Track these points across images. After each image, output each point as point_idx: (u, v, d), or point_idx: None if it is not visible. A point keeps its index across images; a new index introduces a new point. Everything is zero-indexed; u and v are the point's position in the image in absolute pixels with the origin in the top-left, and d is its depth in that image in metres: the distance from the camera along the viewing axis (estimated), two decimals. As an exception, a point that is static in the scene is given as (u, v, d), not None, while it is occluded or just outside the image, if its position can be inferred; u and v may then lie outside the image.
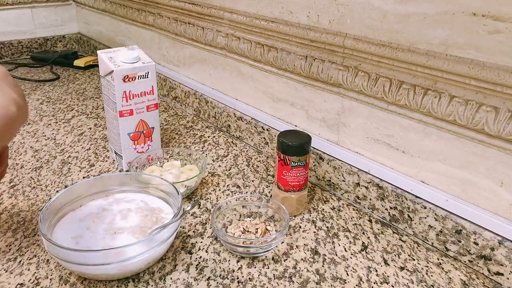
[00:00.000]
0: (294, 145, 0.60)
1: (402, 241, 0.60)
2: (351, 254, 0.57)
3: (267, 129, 0.82)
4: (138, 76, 0.71)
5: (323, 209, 0.67)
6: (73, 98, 1.13)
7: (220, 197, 0.69)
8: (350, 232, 0.62)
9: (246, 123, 0.87)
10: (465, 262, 0.55)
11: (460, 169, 0.54)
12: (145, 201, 0.61)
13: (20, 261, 0.54)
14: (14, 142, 0.87)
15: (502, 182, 0.51)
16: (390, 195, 0.62)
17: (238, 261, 0.55)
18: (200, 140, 0.91)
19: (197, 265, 0.54)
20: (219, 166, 0.80)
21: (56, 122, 0.97)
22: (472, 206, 0.54)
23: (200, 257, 0.56)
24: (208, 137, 0.92)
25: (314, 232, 0.61)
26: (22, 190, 0.70)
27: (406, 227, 0.62)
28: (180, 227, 0.60)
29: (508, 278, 0.51)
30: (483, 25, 0.47)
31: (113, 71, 0.69)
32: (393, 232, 0.62)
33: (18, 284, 0.51)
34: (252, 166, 0.80)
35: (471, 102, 0.50)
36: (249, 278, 0.52)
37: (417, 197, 0.59)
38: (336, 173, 0.70)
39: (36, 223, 0.62)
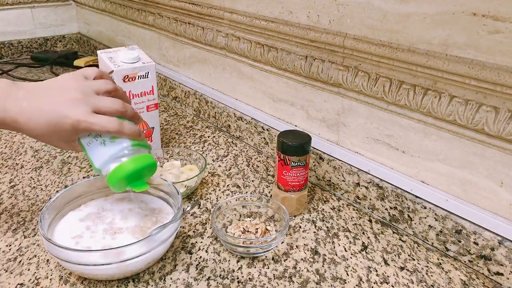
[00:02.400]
0: (294, 145, 0.60)
1: (402, 241, 0.60)
2: (351, 254, 0.57)
3: (267, 129, 0.82)
4: (138, 76, 0.71)
5: (323, 209, 0.67)
6: (73, 98, 1.13)
7: (220, 197, 0.69)
8: (350, 232, 0.62)
9: (246, 123, 0.87)
10: (465, 262, 0.55)
11: (460, 169, 0.54)
12: (145, 201, 0.61)
13: (20, 261, 0.54)
14: (14, 142, 0.87)
15: (502, 182, 0.51)
16: (390, 195, 0.62)
17: (238, 261, 0.55)
18: (200, 140, 0.91)
19: (197, 265, 0.54)
20: (219, 166, 0.80)
21: (56, 122, 0.97)
22: (472, 206, 0.54)
23: (200, 257, 0.56)
24: (208, 137, 0.92)
25: (314, 232, 0.61)
26: (22, 190, 0.70)
27: (406, 227, 0.62)
28: (180, 227, 0.60)
29: (508, 278, 0.51)
30: (483, 25, 0.47)
31: (113, 71, 0.69)
32: (393, 232, 0.62)
33: (18, 284, 0.51)
34: (252, 166, 0.80)
35: (471, 102, 0.50)
36: (249, 278, 0.52)
37: (417, 197, 0.59)
38: (336, 173, 0.70)
39: (36, 223, 0.62)
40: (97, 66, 1.39)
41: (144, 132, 0.76)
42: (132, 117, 0.55)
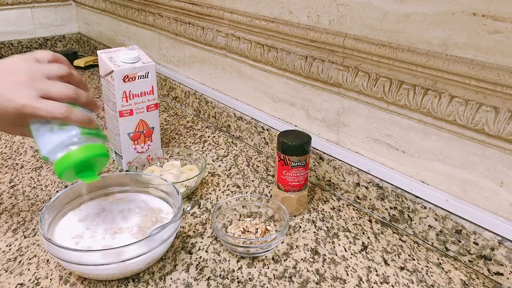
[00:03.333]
0: (294, 145, 0.60)
1: (402, 241, 0.60)
2: (351, 254, 0.57)
3: (267, 129, 0.82)
4: (138, 76, 0.71)
5: (323, 209, 0.67)
6: (73, 98, 1.13)
7: (220, 197, 0.69)
8: (350, 232, 0.62)
9: (246, 123, 0.87)
10: (465, 262, 0.55)
11: (460, 169, 0.54)
12: (145, 201, 0.61)
13: (20, 261, 0.54)
14: (14, 142, 0.87)
15: (502, 182, 0.51)
16: (390, 195, 0.62)
17: (238, 261, 0.55)
18: (200, 140, 0.91)
19: (197, 265, 0.54)
20: (219, 166, 0.80)
21: (56, 122, 0.97)
22: (472, 206, 0.54)
23: (200, 257, 0.56)
24: (208, 137, 0.92)
25: (314, 232, 0.61)
26: (22, 190, 0.70)
27: (406, 227, 0.62)
28: (180, 227, 0.60)
29: (508, 278, 0.51)
30: (483, 25, 0.47)
31: (113, 71, 0.69)
32: (393, 232, 0.62)
33: (18, 284, 0.51)
34: (252, 166, 0.80)
35: (471, 102, 0.50)
36: (249, 278, 0.52)
37: (417, 197, 0.59)
38: (336, 173, 0.70)
39: (36, 223, 0.62)
40: (97, 66, 1.39)
41: (144, 132, 0.76)
42: (87, 104, 0.52)
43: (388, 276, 0.53)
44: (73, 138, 0.49)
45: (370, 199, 0.66)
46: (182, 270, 0.53)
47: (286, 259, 0.56)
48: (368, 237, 0.61)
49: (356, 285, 0.52)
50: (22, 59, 0.51)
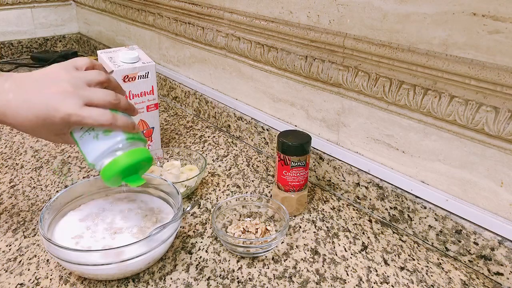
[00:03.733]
0: (294, 145, 0.60)
1: (402, 241, 0.60)
2: (351, 254, 0.57)
3: (267, 129, 0.82)
4: (138, 76, 0.71)
5: (323, 209, 0.67)
6: (73, 98, 1.13)
7: (220, 197, 0.69)
8: (350, 232, 0.62)
9: (246, 123, 0.87)
10: (465, 262, 0.55)
11: (460, 169, 0.54)
12: (145, 201, 0.61)
13: (20, 261, 0.54)
14: (14, 142, 0.87)
15: (502, 182, 0.51)
16: (390, 195, 0.62)
17: (238, 261, 0.55)
18: (200, 140, 0.91)
19: (197, 265, 0.54)
20: (219, 166, 0.80)
21: (56, 122, 0.97)
22: (472, 206, 0.54)
23: (200, 257, 0.56)
24: (208, 137, 0.92)
25: (314, 232, 0.61)
26: (22, 190, 0.70)
27: (406, 227, 0.62)
28: (180, 227, 0.60)
29: (508, 278, 0.51)
30: (483, 25, 0.47)
31: (113, 71, 0.69)
32: (393, 232, 0.62)
33: (18, 284, 0.51)
34: (252, 166, 0.80)
35: (471, 102, 0.50)
36: (249, 278, 0.52)
37: (417, 197, 0.59)
38: (336, 173, 0.70)
39: (36, 223, 0.62)
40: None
41: (144, 132, 0.76)
42: (126, 109, 0.53)
43: (388, 276, 0.53)
44: (118, 144, 0.49)
45: (370, 199, 0.66)
46: (182, 270, 0.53)
47: (286, 259, 0.56)
48: (368, 237, 0.61)
49: (356, 285, 0.52)
50: (62, 67, 0.51)
